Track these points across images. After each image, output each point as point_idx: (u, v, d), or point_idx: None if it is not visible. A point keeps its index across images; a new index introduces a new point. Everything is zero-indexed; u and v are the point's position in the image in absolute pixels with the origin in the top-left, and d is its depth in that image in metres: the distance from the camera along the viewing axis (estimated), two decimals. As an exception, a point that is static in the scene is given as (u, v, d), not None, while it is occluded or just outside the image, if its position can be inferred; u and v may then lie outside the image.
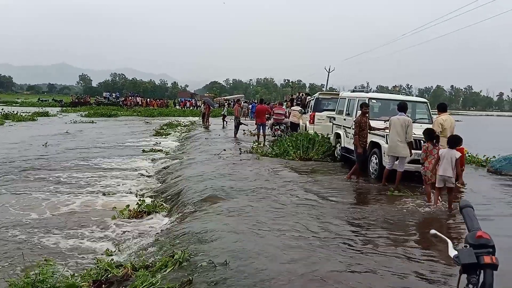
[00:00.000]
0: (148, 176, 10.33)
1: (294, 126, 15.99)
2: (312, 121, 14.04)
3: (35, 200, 7.65)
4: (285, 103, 25.60)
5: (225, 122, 24.27)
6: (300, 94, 21.88)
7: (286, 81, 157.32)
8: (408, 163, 7.87)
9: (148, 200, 7.49)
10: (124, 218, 6.61)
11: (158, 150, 14.76)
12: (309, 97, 17.81)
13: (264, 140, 14.99)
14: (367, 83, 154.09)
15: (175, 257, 3.96)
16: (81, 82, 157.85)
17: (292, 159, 11.11)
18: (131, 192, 8.53)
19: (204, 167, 9.93)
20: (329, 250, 4.35)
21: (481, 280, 1.23)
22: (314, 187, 7.71)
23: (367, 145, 8.59)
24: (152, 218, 6.65)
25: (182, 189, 7.88)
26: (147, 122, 29.90)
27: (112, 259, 4.67)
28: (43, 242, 5.56)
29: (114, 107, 46.28)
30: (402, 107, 7.85)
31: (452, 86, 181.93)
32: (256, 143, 13.76)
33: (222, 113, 27.04)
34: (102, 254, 5.07)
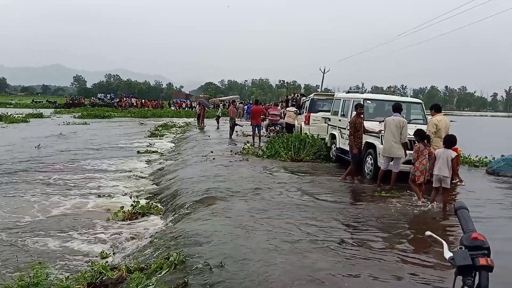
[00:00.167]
0: (143, 178, 10.28)
1: (290, 127, 15.98)
2: (307, 122, 14.09)
3: (26, 203, 7.54)
4: (280, 104, 25.66)
5: (218, 123, 24.28)
6: (295, 95, 21.92)
7: (281, 82, 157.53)
8: (403, 163, 7.89)
9: (142, 202, 7.43)
10: (118, 220, 6.55)
11: (153, 152, 14.74)
12: (304, 97, 17.86)
13: (260, 141, 14.99)
14: (362, 84, 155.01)
15: (170, 259, 3.93)
16: (75, 83, 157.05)
17: (283, 160, 11.13)
18: (125, 194, 8.45)
19: (199, 168, 9.92)
20: (325, 252, 4.35)
21: (476, 282, 1.23)
22: (309, 188, 7.71)
23: (362, 145, 8.62)
24: (147, 219, 6.61)
25: (177, 190, 7.86)
26: (142, 123, 29.70)
27: (107, 262, 4.64)
28: (37, 245, 5.49)
29: (108, 108, 45.97)
30: (397, 107, 7.89)
31: (446, 86, 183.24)
32: (249, 144, 13.74)
33: (217, 114, 27.03)
34: (96, 257, 5.03)
